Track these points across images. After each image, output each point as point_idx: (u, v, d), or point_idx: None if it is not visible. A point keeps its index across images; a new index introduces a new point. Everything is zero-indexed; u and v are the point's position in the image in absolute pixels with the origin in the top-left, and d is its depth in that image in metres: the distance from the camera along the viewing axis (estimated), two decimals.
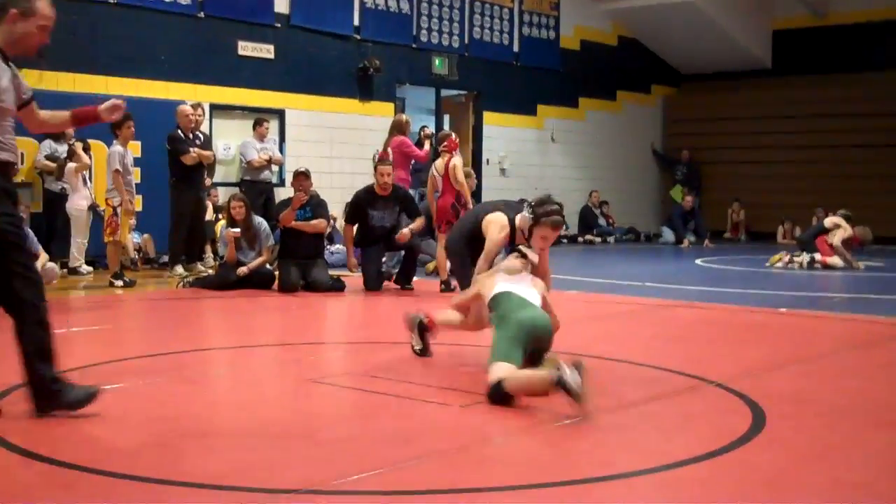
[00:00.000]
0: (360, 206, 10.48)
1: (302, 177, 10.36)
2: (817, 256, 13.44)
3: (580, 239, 19.07)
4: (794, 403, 5.04)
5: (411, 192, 13.49)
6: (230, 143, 13.88)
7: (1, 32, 4.53)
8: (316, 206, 10.38)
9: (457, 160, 10.53)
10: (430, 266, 11.52)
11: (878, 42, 20.09)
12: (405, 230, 10.22)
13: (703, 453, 4.00)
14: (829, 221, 13.76)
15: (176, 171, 11.34)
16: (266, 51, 14.58)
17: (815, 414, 4.83)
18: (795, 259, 13.71)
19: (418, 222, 10.45)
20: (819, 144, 19.79)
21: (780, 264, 13.72)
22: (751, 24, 20.92)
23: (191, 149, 11.23)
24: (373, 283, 10.25)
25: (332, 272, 10.57)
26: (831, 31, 20.66)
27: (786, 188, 20.06)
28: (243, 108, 14.24)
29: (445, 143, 10.64)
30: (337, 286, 10.11)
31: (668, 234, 19.55)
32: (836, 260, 13.35)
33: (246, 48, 14.38)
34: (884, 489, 3.63)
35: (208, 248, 12.38)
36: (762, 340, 7.26)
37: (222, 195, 13.39)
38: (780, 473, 3.85)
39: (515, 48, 18.51)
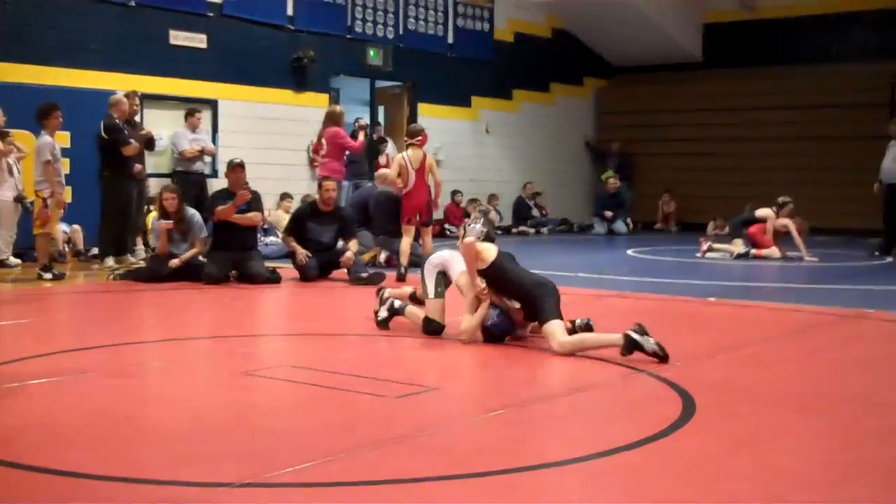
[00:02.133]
0: (301, 218, 10.66)
1: (238, 168, 10.29)
2: (753, 251, 13.59)
3: (514, 230, 19.17)
4: (723, 391, 5.14)
5: (345, 183, 13.50)
6: (162, 133, 13.68)
7: None
8: (251, 200, 10.31)
9: (432, 157, 10.61)
10: (366, 256, 11.52)
11: (806, 36, 20.48)
12: (349, 254, 10.22)
13: (635, 441, 4.07)
14: (759, 212, 13.90)
15: (111, 162, 11.17)
16: (199, 40, 14.42)
17: (743, 401, 4.93)
18: (715, 247, 13.88)
19: (354, 243, 10.45)
20: (749, 136, 20.13)
21: (697, 254, 13.84)
22: (682, 17, 21.19)
23: (131, 139, 11.12)
24: (310, 273, 10.22)
25: (267, 264, 10.51)
26: (760, 25, 21.01)
27: (716, 180, 20.35)
28: (175, 99, 14.07)
29: (419, 138, 10.66)
30: (273, 278, 10.06)
31: (599, 226, 19.73)
32: (772, 251, 13.51)
33: (178, 37, 14.21)
34: (810, 475, 3.72)
35: (139, 240, 12.22)
36: (692, 330, 7.38)
37: (154, 186, 13.21)
38: (709, 459, 3.93)
39: (450, 40, 18.53)
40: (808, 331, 7.46)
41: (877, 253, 13.94)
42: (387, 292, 7.28)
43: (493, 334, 6.42)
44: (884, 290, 10.25)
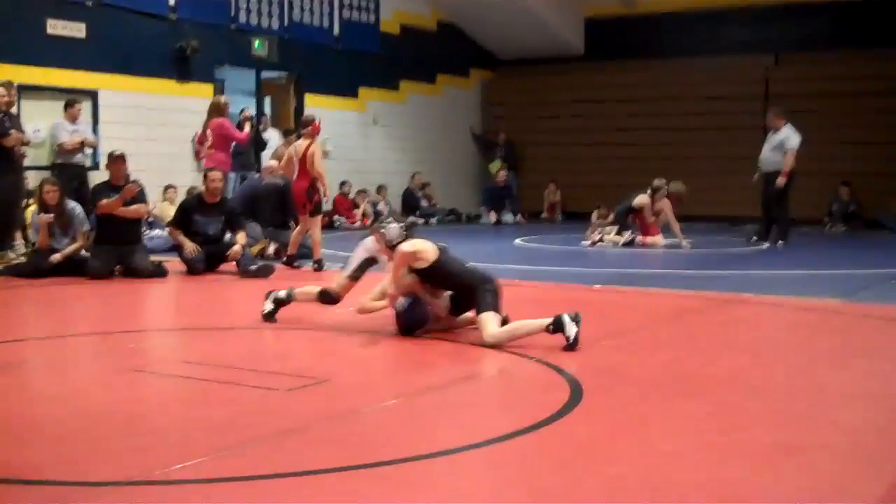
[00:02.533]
0: (187, 210, 10.54)
1: (119, 160, 10.10)
2: (639, 239, 13.89)
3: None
4: (608, 376, 5.26)
5: (232, 175, 13.34)
6: (40, 125, 13.29)
7: None
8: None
9: (314, 148, 10.50)
10: (255, 248, 11.43)
11: (684, 30, 21.00)
12: (237, 247, 10.12)
13: (524, 427, 4.14)
14: (636, 200, 14.19)
15: None
16: (77, 29, 14.03)
17: (628, 386, 5.06)
18: (607, 238, 14.17)
19: (241, 236, 10.36)
20: (629, 127, 20.56)
21: (586, 242, 14.12)
22: (564, 12, 21.50)
23: (11, 130, 10.76)
24: (197, 266, 10.10)
25: (153, 258, 10.33)
26: (639, 20, 21.44)
27: (599, 169, 20.72)
28: (54, 89, 13.66)
29: (308, 128, 10.60)
30: (159, 272, 9.89)
31: (486, 216, 19.93)
32: (657, 239, 13.85)
33: (55, 26, 13.80)
34: (692, 456, 3.84)
35: (19, 235, 11.84)
36: None
37: (33, 179, 12.81)
38: (597, 443, 4.04)
39: (336, 31, 18.43)
40: (689, 315, 7.68)
41: (754, 238, 14.37)
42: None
43: (405, 324, 6.33)
44: (760, 275, 10.61)
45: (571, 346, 5.76)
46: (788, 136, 13.78)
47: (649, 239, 13.83)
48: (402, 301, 6.32)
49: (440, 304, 6.41)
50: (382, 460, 3.71)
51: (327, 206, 17.44)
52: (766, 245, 14.09)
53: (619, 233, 14.11)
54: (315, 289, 6.93)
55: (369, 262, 6.76)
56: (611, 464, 3.74)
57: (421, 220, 19.10)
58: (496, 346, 5.87)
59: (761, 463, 3.74)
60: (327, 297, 6.79)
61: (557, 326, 5.82)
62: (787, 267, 11.42)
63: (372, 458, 3.73)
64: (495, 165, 20.85)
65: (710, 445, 3.98)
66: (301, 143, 10.59)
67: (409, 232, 6.44)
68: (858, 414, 4.58)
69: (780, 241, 13.85)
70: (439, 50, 20.93)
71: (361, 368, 5.58)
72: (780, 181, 13.68)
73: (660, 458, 3.81)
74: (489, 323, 5.97)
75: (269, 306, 6.97)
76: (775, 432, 4.19)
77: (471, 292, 6.17)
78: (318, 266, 10.37)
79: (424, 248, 6.28)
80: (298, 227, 10.67)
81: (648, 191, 14.14)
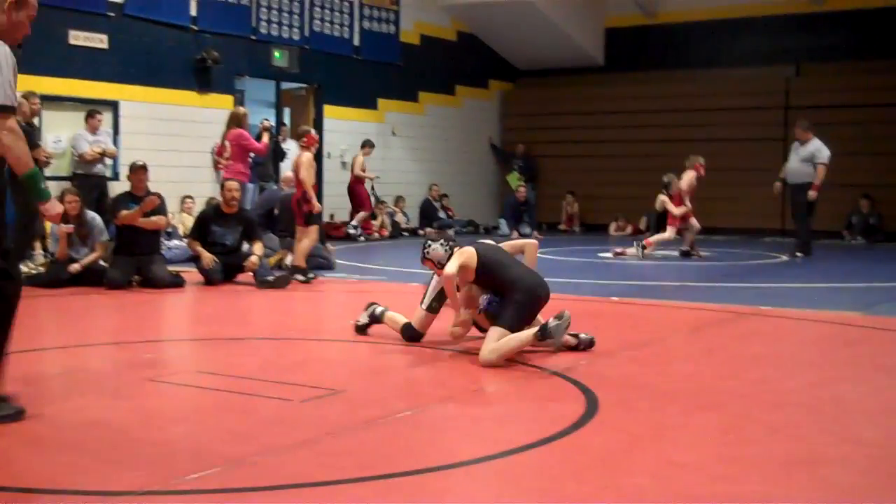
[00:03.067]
0: (205, 221, 10.56)
1: (140, 171, 10.17)
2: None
3: (421, 232, 19.21)
4: (625, 389, 5.24)
5: (250, 185, 13.38)
6: (61, 135, 13.39)
7: None
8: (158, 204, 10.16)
9: (305, 156, 10.48)
10: (272, 259, 11.44)
11: (705, 40, 20.96)
12: (253, 258, 10.14)
13: (540, 439, 4.13)
14: (658, 204, 14.15)
15: None
16: (99, 40, 14.12)
17: (645, 398, 5.04)
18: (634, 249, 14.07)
19: (258, 246, 10.38)
20: (649, 139, 20.49)
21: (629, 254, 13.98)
22: (584, 22, 21.49)
23: (40, 143, 10.87)
24: (215, 276, 10.12)
25: (171, 268, 10.37)
26: (660, 30, 21.42)
27: (618, 181, 20.67)
28: (75, 100, 13.76)
29: (303, 139, 10.62)
30: (176, 282, 9.92)
31: (505, 226, 19.91)
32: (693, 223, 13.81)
33: (78, 37, 13.90)
34: (709, 469, 3.82)
35: (38, 245, 11.91)
36: (596, 328, 7.46)
37: (53, 189, 12.86)
38: (613, 455, 4.02)
39: (356, 42, 18.49)
40: (706, 328, 7.64)
41: (798, 254, 13.90)
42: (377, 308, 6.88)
43: (492, 314, 6.06)
44: (778, 288, 10.56)
45: (582, 346, 5.89)
46: (819, 149, 13.64)
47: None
48: (483, 298, 6.18)
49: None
50: (398, 471, 3.70)
51: (344, 215, 17.54)
52: (784, 258, 14.01)
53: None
54: (402, 319, 6.66)
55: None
56: (628, 476, 3.72)
57: (405, 219, 19.12)
58: (490, 365, 5.69)
59: (779, 476, 3.71)
60: (410, 333, 6.56)
61: (545, 334, 5.73)
62: (805, 280, 11.35)
63: (387, 469, 3.73)
64: (514, 178, 20.83)
65: (728, 458, 3.96)
66: (295, 154, 10.63)
67: (453, 246, 6.21)
68: (878, 428, 4.54)
69: (800, 254, 13.74)
70: (459, 61, 20.96)
71: (376, 379, 5.58)
72: (812, 194, 13.54)
73: (677, 470, 3.79)
74: (489, 341, 5.80)
75: (363, 319, 6.87)
76: (793, 445, 4.16)
77: (507, 297, 6.01)
78: (299, 275, 10.28)
79: (465, 262, 6.03)
80: (298, 238, 10.57)
81: (663, 190, 14.14)
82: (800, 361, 6.39)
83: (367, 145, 17.78)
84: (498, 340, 5.76)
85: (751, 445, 4.14)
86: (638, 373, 5.64)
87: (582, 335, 6.27)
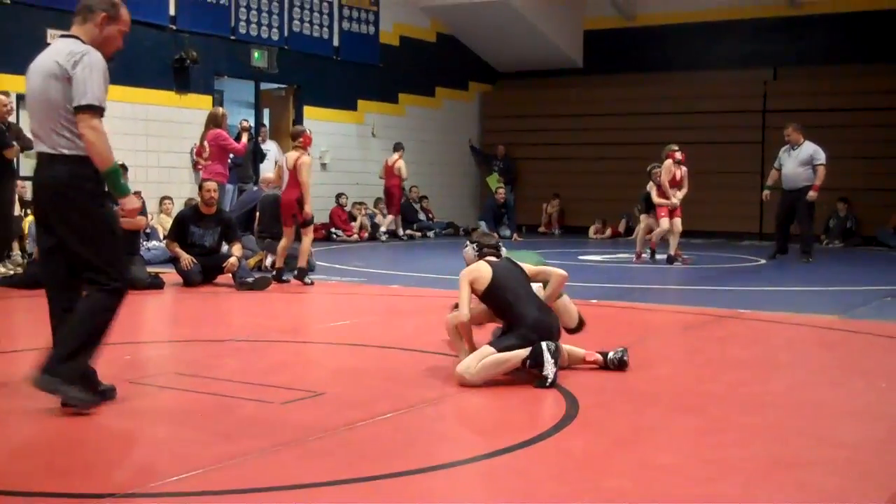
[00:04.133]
0: (183, 222, 10.52)
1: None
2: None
3: (400, 234, 19.21)
4: (605, 391, 5.26)
5: (229, 186, 13.34)
6: None
7: (88, 33, 4.91)
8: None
9: (306, 158, 10.48)
10: (252, 261, 11.41)
11: (683, 43, 21.05)
12: (232, 259, 10.10)
13: (521, 441, 4.14)
14: (649, 193, 13.93)
15: None
16: None
17: (624, 401, 5.05)
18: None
19: (237, 247, 10.35)
20: (628, 141, 20.54)
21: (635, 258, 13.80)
22: (563, 24, 21.54)
23: (14, 142, 10.76)
24: (194, 277, 10.10)
25: (150, 269, 10.32)
26: (639, 33, 21.49)
27: (597, 183, 20.74)
28: None
29: (300, 139, 10.60)
30: (155, 283, 9.87)
31: (485, 228, 19.91)
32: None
33: (55, 36, 13.72)
34: (689, 471, 3.84)
35: (16, 245, 11.83)
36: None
37: (30, 190, 12.82)
38: (593, 457, 4.03)
39: (335, 42, 18.46)
40: (686, 331, 7.67)
41: (777, 256, 14.02)
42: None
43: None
44: (757, 291, 10.62)
45: (546, 384, 5.18)
46: (816, 150, 13.67)
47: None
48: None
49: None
50: (379, 474, 3.70)
51: (323, 218, 17.50)
52: (762, 261, 14.07)
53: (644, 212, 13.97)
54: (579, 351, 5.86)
55: None
56: (608, 478, 3.74)
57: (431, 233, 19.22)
58: (464, 384, 5.26)
59: (758, 478, 3.73)
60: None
61: (536, 361, 5.23)
62: (784, 283, 11.43)
63: (368, 472, 3.72)
64: (493, 179, 20.87)
65: (708, 460, 3.98)
66: (292, 154, 10.59)
67: (483, 252, 5.87)
68: (856, 430, 4.57)
69: (808, 258, 13.60)
70: (438, 62, 20.97)
71: (357, 381, 5.57)
72: (812, 195, 13.50)
73: (657, 472, 3.80)
74: (473, 357, 5.35)
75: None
76: (773, 447, 4.19)
77: (504, 331, 5.67)
78: (299, 275, 10.33)
79: (478, 269, 5.65)
80: (283, 240, 10.60)
81: (650, 183, 13.88)
82: (779, 364, 6.43)
83: (401, 148, 18.53)
84: (482, 360, 5.30)
85: (730, 448, 4.17)
86: (618, 376, 5.65)
87: (610, 354, 5.75)
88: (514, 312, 5.53)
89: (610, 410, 4.85)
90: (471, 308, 5.62)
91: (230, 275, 10.07)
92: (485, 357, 5.32)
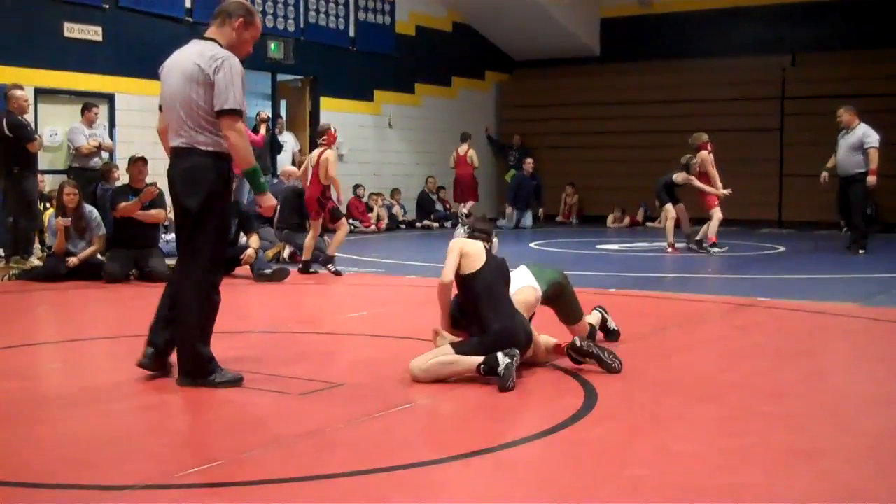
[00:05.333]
0: None
1: (140, 163, 10.17)
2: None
3: (418, 224, 19.22)
4: (624, 380, 5.24)
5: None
6: (57, 128, 13.36)
7: (225, 36, 5.18)
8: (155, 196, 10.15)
9: (330, 154, 10.50)
10: (270, 252, 11.44)
11: (701, 30, 20.94)
12: (250, 251, 10.14)
13: (539, 431, 4.13)
14: (678, 177, 13.70)
15: (18, 159, 10.87)
16: (94, 33, 14.08)
17: (643, 390, 5.04)
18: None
19: (255, 239, 10.39)
20: (646, 129, 20.46)
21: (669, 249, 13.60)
22: (580, 12, 21.46)
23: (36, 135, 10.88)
24: None
25: (169, 261, 10.35)
26: (656, 20, 21.39)
27: (616, 172, 20.67)
28: (70, 93, 13.73)
29: (325, 136, 10.63)
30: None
31: (508, 221, 19.85)
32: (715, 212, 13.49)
33: (73, 30, 13.86)
34: (709, 460, 3.83)
35: (35, 239, 11.88)
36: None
37: (49, 183, 12.89)
38: (611, 447, 4.02)
39: (351, 33, 18.45)
40: (704, 320, 7.65)
41: (860, 251, 13.22)
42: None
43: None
44: (776, 279, 10.57)
45: (507, 385, 4.90)
46: (867, 132, 13.05)
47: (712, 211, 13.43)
48: None
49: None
50: (397, 464, 3.71)
51: (341, 208, 17.50)
52: (781, 249, 14.00)
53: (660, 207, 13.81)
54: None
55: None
56: (627, 467, 3.73)
57: (402, 211, 19.23)
58: (415, 380, 5.10)
59: (777, 467, 3.72)
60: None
61: (490, 368, 4.98)
62: (803, 271, 11.36)
63: (387, 462, 3.73)
64: (511, 175, 20.83)
65: (727, 449, 3.96)
66: (316, 151, 10.64)
67: (474, 234, 5.63)
68: (875, 418, 4.54)
69: (860, 250, 13.09)
70: (455, 52, 20.93)
71: (374, 372, 5.57)
72: (871, 179, 12.91)
73: (676, 461, 3.79)
74: (430, 354, 5.19)
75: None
76: (792, 437, 4.17)
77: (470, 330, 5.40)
78: (324, 262, 10.40)
79: (472, 249, 5.44)
80: (311, 234, 10.68)
81: (683, 170, 13.66)
82: (798, 353, 6.40)
83: (469, 137, 19.42)
84: (436, 358, 5.11)
85: (750, 436, 4.15)
86: (637, 364, 5.64)
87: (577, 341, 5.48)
88: (480, 314, 5.28)
89: (628, 400, 4.84)
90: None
91: (248, 266, 10.10)
92: (437, 357, 5.13)
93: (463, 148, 19.31)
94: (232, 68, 5.02)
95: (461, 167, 19.36)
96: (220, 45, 5.14)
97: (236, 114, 4.98)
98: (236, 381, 5.01)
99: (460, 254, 5.41)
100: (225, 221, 5.21)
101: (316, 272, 10.49)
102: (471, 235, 5.65)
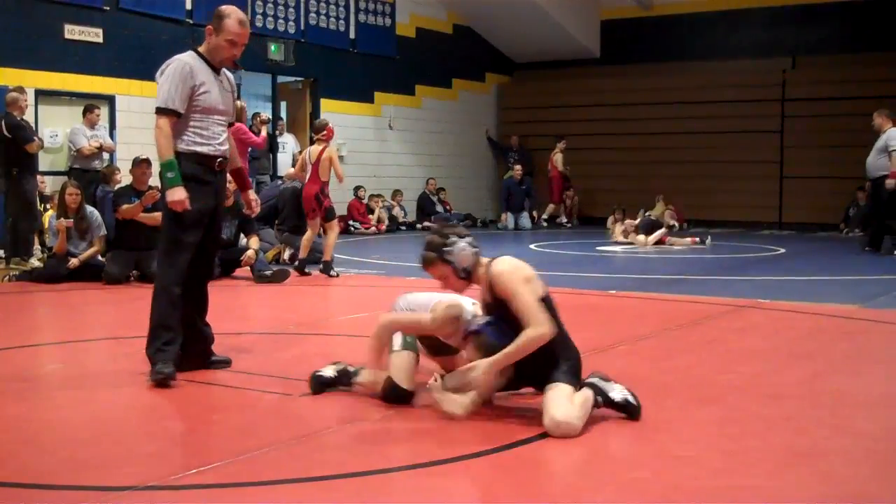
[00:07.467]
0: None
1: (143, 164, 10.17)
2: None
3: (418, 226, 19.22)
4: (624, 382, 5.21)
5: (249, 180, 13.35)
6: (57, 130, 13.37)
7: (205, 44, 5.54)
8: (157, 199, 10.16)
9: (332, 150, 10.52)
10: (270, 254, 11.44)
11: (701, 32, 20.96)
12: (250, 252, 10.14)
13: (540, 433, 4.12)
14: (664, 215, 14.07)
15: (16, 160, 10.89)
16: (94, 34, 14.10)
17: (644, 392, 5.02)
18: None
19: (254, 240, 10.40)
20: (645, 131, 20.50)
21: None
22: (580, 14, 21.48)
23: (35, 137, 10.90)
24: (213, 271, 10.15)
25: None
26: (656, 22, 21.41)
27: (615, 174, 20.71)
28: (71, 94, 13.74)
29: (323, 133, 10.63)
30: None
31: (508, 222, 19.86)
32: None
33: (73, 32, 13.87)
34: (710, 462, 3.82)
35: (35, 240, 11.90)
36: (593, 322, 7.50)
37: (50, 184, 12.90)
38: (611, 449, 4.02)
39: (352, 35, 18.47)
40: (704, 321, 7.64)
41: (867, 249, 13.47)
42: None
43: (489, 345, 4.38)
44: (775, 281, 10.57)
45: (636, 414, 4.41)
46: (890, 136, 13.02)
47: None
48: (476, 320, 4.58)
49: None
50: (397, 466, 3.70)
51: (341, 211, 17.51)
52: (782, 250, 14.00)
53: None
54: (382, 374, 4.79)
55: None
56: (628, 470, 3.73)
57: (402, 213, 19.20)
58: (572, 433, 4.15)
59: (779, 469, 3.71)
60: (394, 394, 4.68)
61: (608, 400, 4.40)
62: (803, 273, 11.36)
63: (386, 464, 3.73)
64: (510, 175, 20.82)
65: (727, 451, 3.96)
66: (315, 148, 10.63)
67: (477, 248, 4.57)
68: (876, 420, 4.54)
69: (878, 250, 13.06)
70: (455, 54, 20.95)
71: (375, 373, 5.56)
72: (890, 182, 12.85)
73: (677, 463, 3.79)
74: (564, 400, 4.21)
75: (328, 371, 4.99)
76: (793, 438, 4.17)
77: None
78: (325, 269, 10.38)
79: (527, 268, 4.56)
80: (308, 233, 10.68)
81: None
82: (798, 354, 6.39)
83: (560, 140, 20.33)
84: (584, 402, 4.27)
85: (750, 438, 4.15)
86: (637, 366, 5.64)
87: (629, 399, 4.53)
88: (564, 338, 4.53)
89: None
90: (434, 317, 4.66)
91: (248, 268, 10.10)
92: (585, 399, 4.28)
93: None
94: (170, 69, 5.39)
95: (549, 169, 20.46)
96: (199, 52, 5.54)
97: (161, 112, 5.30)
98: (160, 382, 5.05)
99: (527, 280, 4.42)
100: (182, 222, 5.38)
101: (309, 273, 10.47)
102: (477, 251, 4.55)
